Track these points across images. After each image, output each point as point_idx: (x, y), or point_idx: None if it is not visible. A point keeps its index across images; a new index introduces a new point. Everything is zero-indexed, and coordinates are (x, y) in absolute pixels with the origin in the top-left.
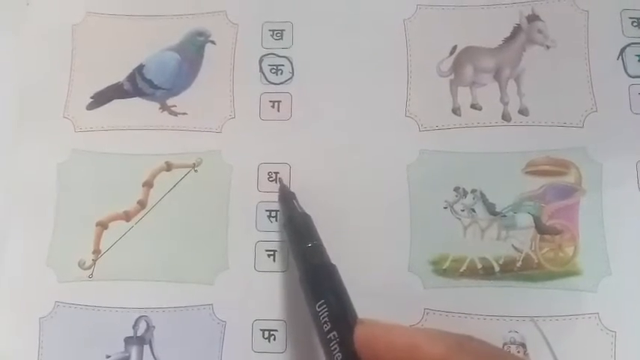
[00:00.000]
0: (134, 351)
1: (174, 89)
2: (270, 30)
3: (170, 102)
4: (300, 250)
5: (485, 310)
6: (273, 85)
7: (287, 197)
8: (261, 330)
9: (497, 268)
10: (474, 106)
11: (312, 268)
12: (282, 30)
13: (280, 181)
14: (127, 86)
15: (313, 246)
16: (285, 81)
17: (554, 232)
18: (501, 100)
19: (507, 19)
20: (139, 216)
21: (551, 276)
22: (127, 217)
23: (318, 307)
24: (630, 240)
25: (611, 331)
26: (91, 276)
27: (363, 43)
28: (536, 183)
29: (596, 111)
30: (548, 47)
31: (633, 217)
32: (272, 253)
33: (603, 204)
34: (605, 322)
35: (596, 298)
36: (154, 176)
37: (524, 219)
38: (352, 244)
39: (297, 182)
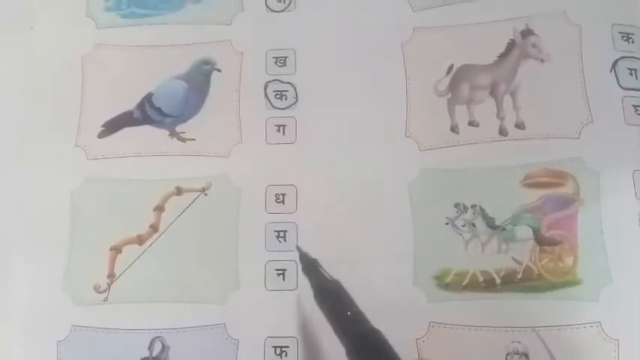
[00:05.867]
0: None
1: (183, 116)
2: (274, 57)
3: (179, 129)
4: (341, 319)
5: (488, 321)
6: (278, 110)
7: (311, 267)
8: (273, 347)
9: (498, 281)
10: (471, 123)
11: (361, 336)
12: (285, 57)
13: (299, 249)
14: (136, 114)
15: (353, 314)
16: (290, 106)
17: (554, 242)
18: (498, 115)
19: (501, 35)
20: (152, 239)
21: (552, 286)
22: (140, 240)
23: None
24: (630, 248)
25: (613, 339)
26: (106, 299)
27: (363, 67)
28: (535, 195)
29: (592, 122)
30: (542, 61)
31: (631, 226)
32: (281, 272)
33: (602, 213)
34: (608, 330)
35: (598, 306)
36: (165, 201)
37: (524, 231)
38: (358, 260)
39: (303, 203)
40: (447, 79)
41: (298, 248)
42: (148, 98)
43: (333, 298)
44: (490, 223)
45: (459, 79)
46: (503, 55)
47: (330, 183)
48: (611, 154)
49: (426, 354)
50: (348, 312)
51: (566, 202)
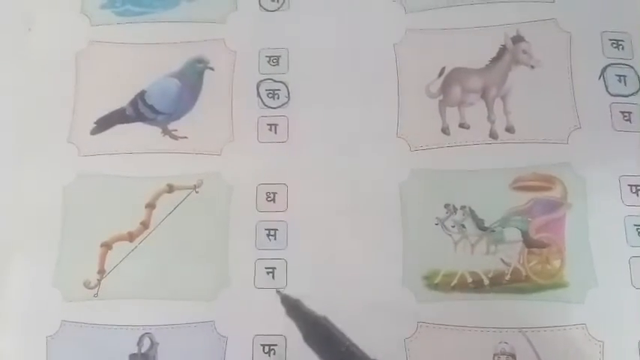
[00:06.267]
0: None
1: (175, 114)
2: (266, 56)
3: (171, 126)
4: (337, 356)
5: (476, 322)
6: (270, 109)
7: (295, 308)
8: (261, 345)
9: (486, 282)
10: (462, 125)
11: None
12: (278, 56)
13: (279, 293)
14: (129, 111)
15: (347, 349)
16: (282, 105)
17: (542, 245)
18: (488, 118)
19: (493, 41)
20: (142, 236)
21: (539, 288)
22: (130, 237)
23: None
24: (615, 252)
25: (598, 341)
26: (96, 295)
27: (356, 68)
28: (524, 198)
29: (580, 128)
30: (532, 67)
31: (617, 230)
32: (271, 270)
33: (588, 217)
34: (593, 332)
35: (583, 309)
36: (156, 198)
37: (512, 233)
38: (348, 260)
39: (293, 202)
40: (439, 81)
41: (279, 292)
42: (141, 96)
43: (323, 337)
44: (479, 225)
45: (450, 81)
46: (494, 60)
47: (321, 182)
48: (598, 159)
49: (413, 354)
50: (342, 348)
51: (554, 205)
